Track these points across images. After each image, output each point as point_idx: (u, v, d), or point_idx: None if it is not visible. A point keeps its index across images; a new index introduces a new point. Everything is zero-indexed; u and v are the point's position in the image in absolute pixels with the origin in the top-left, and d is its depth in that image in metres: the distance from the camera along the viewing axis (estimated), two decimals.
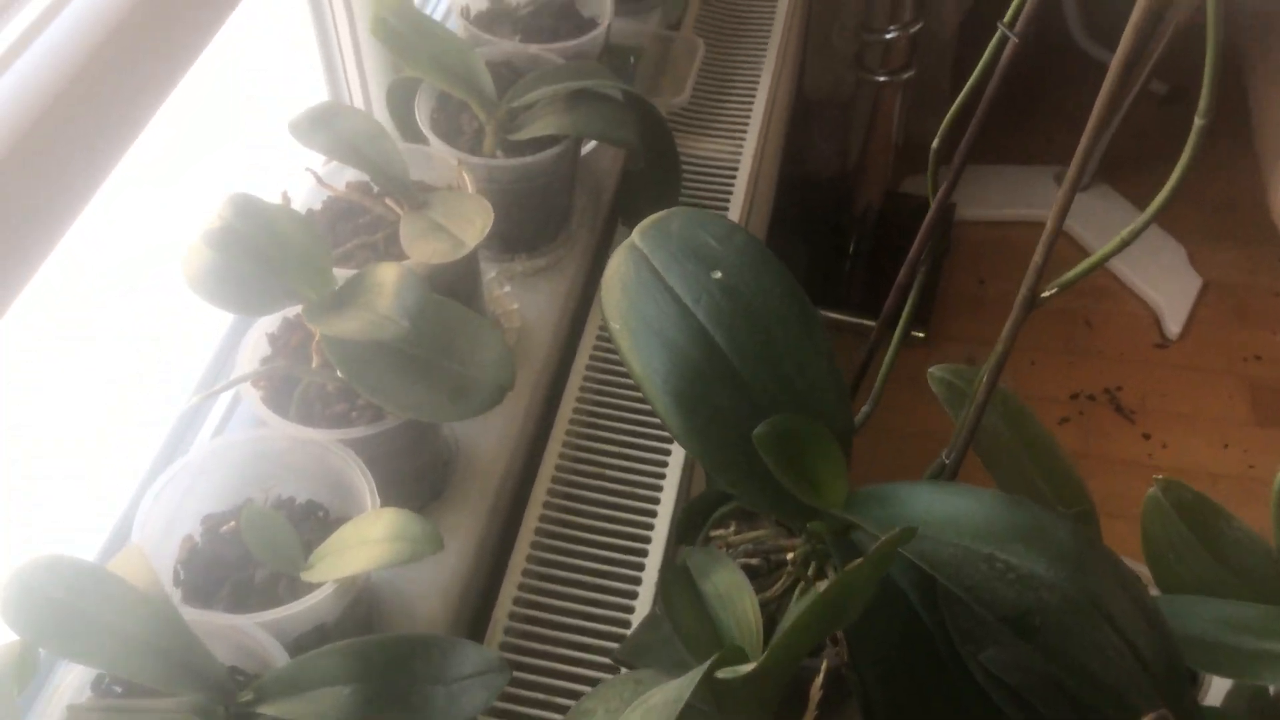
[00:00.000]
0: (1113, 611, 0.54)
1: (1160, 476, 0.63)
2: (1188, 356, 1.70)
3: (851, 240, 1.75)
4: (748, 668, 0.48)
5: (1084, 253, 1.82)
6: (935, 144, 0.60)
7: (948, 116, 0.59)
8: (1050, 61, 1.86)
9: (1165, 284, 1.75)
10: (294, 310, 0.70)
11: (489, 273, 0.86)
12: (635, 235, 0.67)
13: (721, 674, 0.47)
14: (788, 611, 0.61)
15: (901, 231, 1.81)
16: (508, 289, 0.85)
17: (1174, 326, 1.70)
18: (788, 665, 0.52)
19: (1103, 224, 1.81)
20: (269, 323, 0.70)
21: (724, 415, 0.61)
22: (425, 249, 0.69)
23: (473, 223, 0.70)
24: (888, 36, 1.44)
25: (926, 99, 1.87)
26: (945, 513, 0.58)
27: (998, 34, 0.56)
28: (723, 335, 0.62)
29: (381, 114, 0.88)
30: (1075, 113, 1.94)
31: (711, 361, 0.61)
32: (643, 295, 0.65)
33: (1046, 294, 0.56)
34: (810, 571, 0.66)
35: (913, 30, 1.44)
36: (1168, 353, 1.70)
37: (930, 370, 0.70)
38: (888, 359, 0.68)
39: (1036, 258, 0.55)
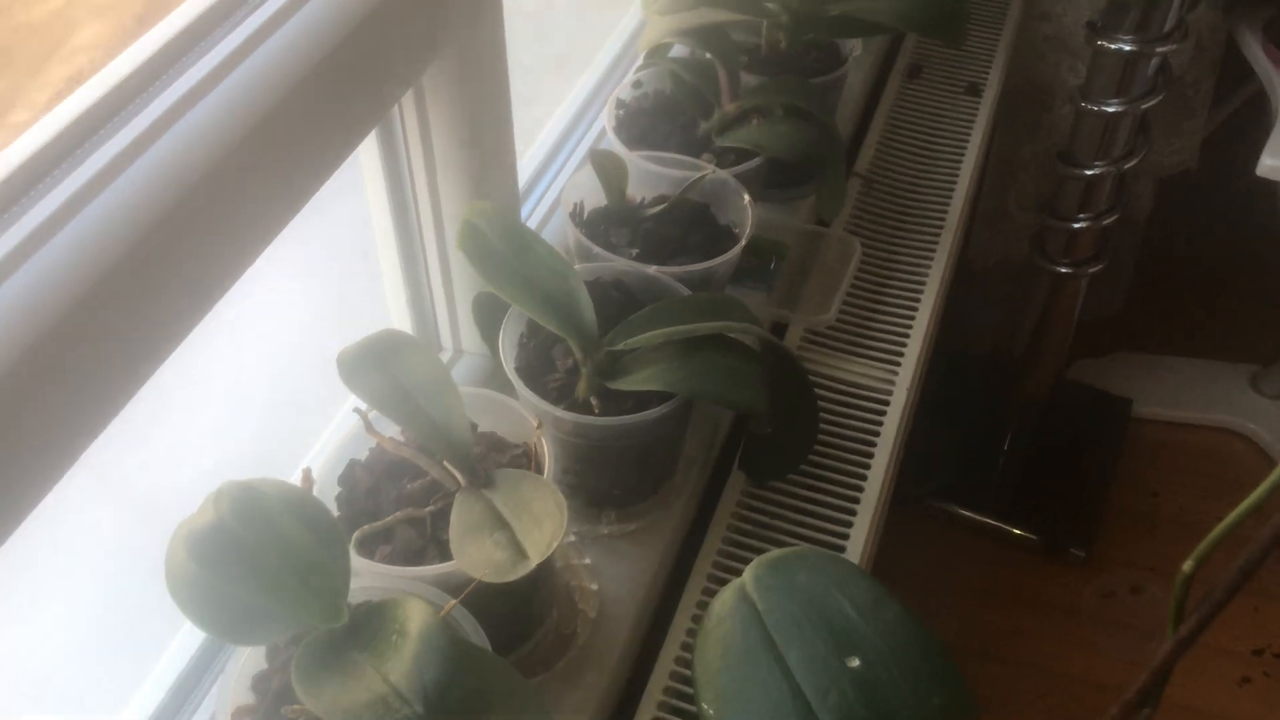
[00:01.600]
0: None
1: None
2: None
3: (1010, 432, 1.54)
4: None
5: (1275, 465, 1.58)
6: (1187, 568, 0.42)
7: (1208, 540, 0.41)
8: (1254, 245, 1.64)
9: None
10: (291, 636, 0.55)
11: (567, 536, 0.71)
12: (748, 577, 0.51)
13: None
14: None
15: (1069, 425, 1.59)
16: (588, 561, 0.69)
17: None
18: None
19: None
20: (260, 655, 0.55)
21: None
22: (478, 556, 0.54)
23: (541, 526, 0.55)
24: (1075, 226, 1.25)
25: (1107, 275, 1.66)
26: None
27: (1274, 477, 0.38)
28: None
29: (467, 324, 0.74)
30: (1278, 306, 1.71)
31: None
32: (749, 671, 0.49)
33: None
34: None
35: (1106, 222, 1.24)
36: None
37: None
38: None
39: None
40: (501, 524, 0.56)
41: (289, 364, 0.76)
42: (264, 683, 0.54)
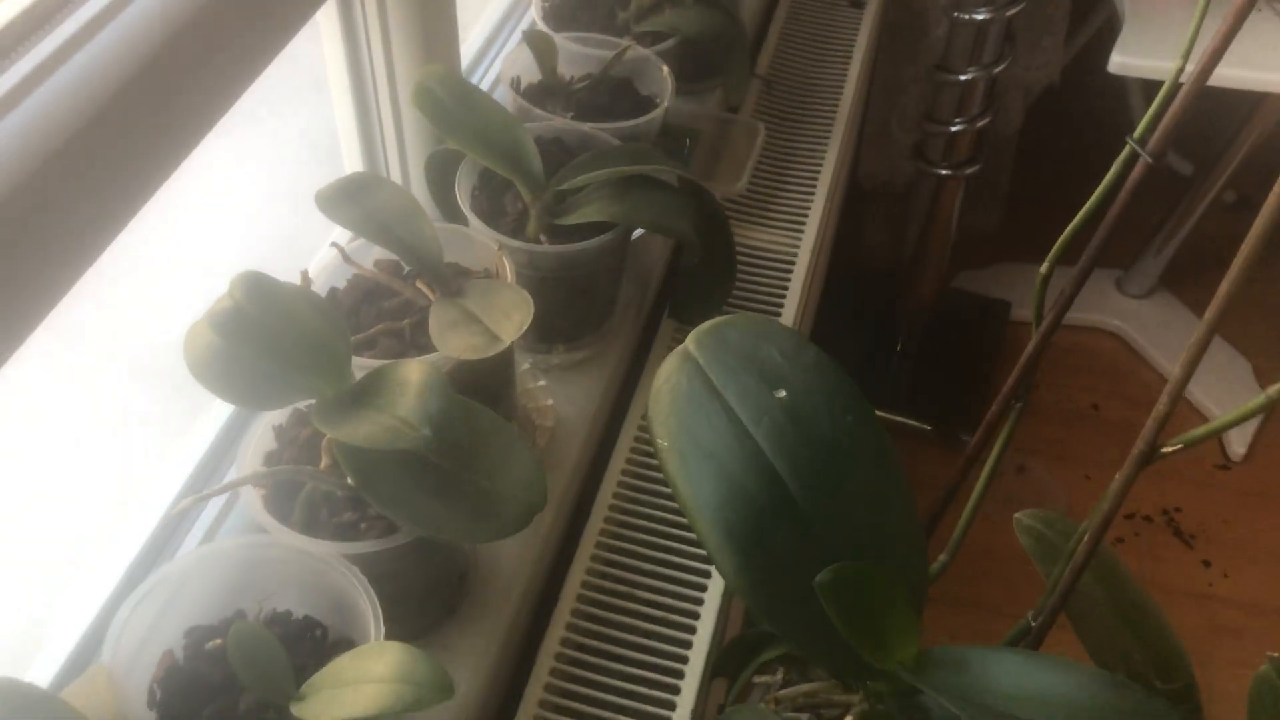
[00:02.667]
0: None
1: (1274, 654, 0.55)
2: (1253, 480, 1.60)
3: (901, 336, 1.68)
4: None
5: (1141, 360, 1.74)
6: (1044, 269, 0.52)
7: (1064, 235, 0.52)
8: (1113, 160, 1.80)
9: (1230, 401, 1.66)
10: (306, 401, 0.64)
11: (523, 364, 0.79)
12: (690, 342, 0.60)
13: None
14: None
15: (954, 328, 1.73)
16: (542, 383, 0.78)
17: (1239, 448, 1.61)
18: None
19: (1162, 332, 1.73)
20: (277, 415, 0.63)
21: (781, 556, 0.53)
22: (456, 343, 0.62)
23: (510, 317, 0.64)
24: (953, 129, 1.38)
25: (982, 195, 1.80)
26: (1035, 688, 0.51)
27: (1126, 149, 0.49)
28: (785, 464, 0.55)
29: (419, 187, 0.82)
30: (1137, 217, 1.87)
31: (770, 493, 0.54)
32: (695, 412, 0.57)
33: (1168, 449, 0.48)
34: None
35: (980, 124, 1.37)
36: (1231, 475, 1.61)
37: (1017, 517, 0.63)
38: (972, 500, 0.60)
39: (1160, 408, 0.48)
40: (475, 320, 0.65)
41: (251, 237, 0.83)
42: (273, 460, 0.62)
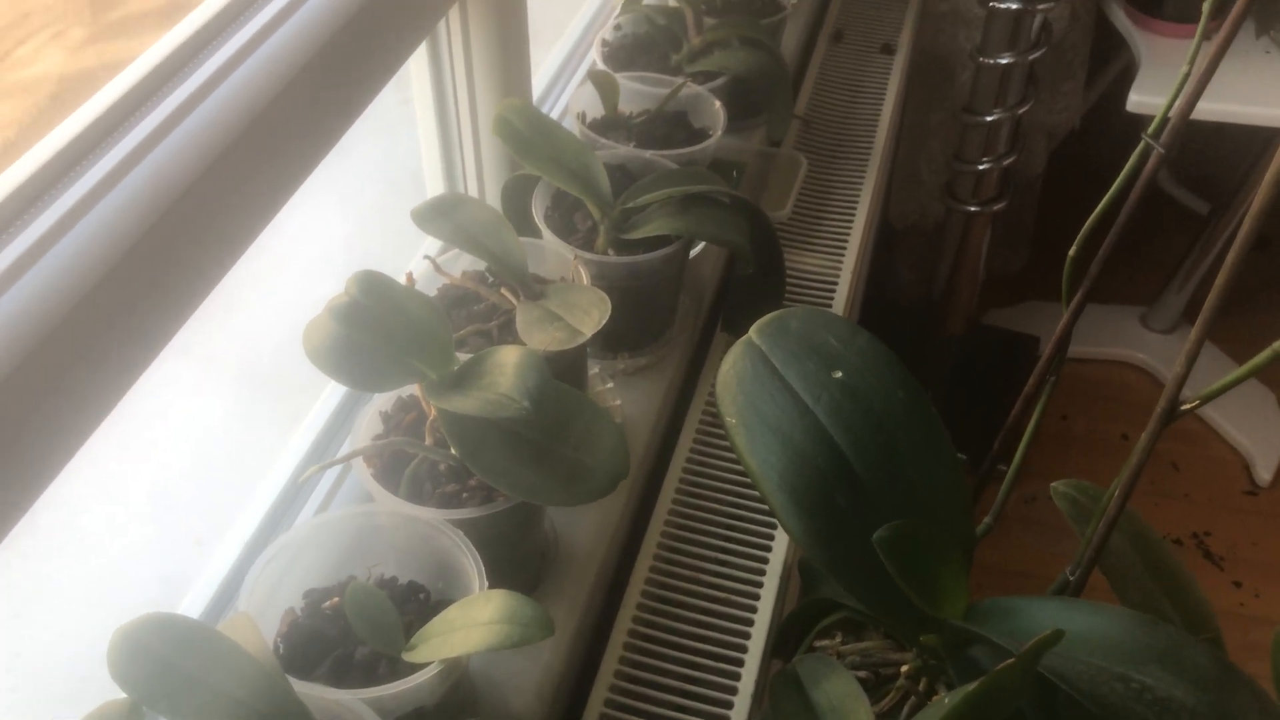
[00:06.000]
0: None
1: None
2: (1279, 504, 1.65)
3: (932, 370, 1.74)
4: None
5: None
6: (1073, 252, 0.59)
7: (1088, 223, 0.59)
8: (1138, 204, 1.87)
9: (1255, 430, 1.71)
10: (409, 390, 0.71)
11: (590, 369, 0.86)
12: (753, 332, 0.66)
13: None
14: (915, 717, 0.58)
15: (983, 363, 1.79)
16: (610, 385, 0.85)
17: (1265, 474, 1.66)
18: None
19: None
20: (383, 401, 0.70)
21: (842, 516, 0.59)
22: (541, 337, 0.69)
23: (589, 314, 0.71)
24: (980, 168, 1.45)
25: (1010, 235, 1.87)
26: (1075, 629, 0.56)
27: (1141, 145, 0.56)
28: (843, 435, 0.61)
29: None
30: (1159, 255, 1.94)
31: (830, 461, 0.60)
32: (760, 391, 0.64)
33: (1187, 407, 0.54)
34: (921, 687, 0.63)
35: (1005, 163, 1.45)
36: (1258, 500, 1.65)
37: (1054, 485, 0.69)
38: (1012, 469, 0.66)
39: (1177, 368, 0.54)
40: (557, 317, 0.72)
41: (340, 265, 0.91)
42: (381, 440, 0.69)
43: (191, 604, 0.66)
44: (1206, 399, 0.53)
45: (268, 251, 0.82)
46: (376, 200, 0.97)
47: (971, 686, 0.42)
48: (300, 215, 0.84)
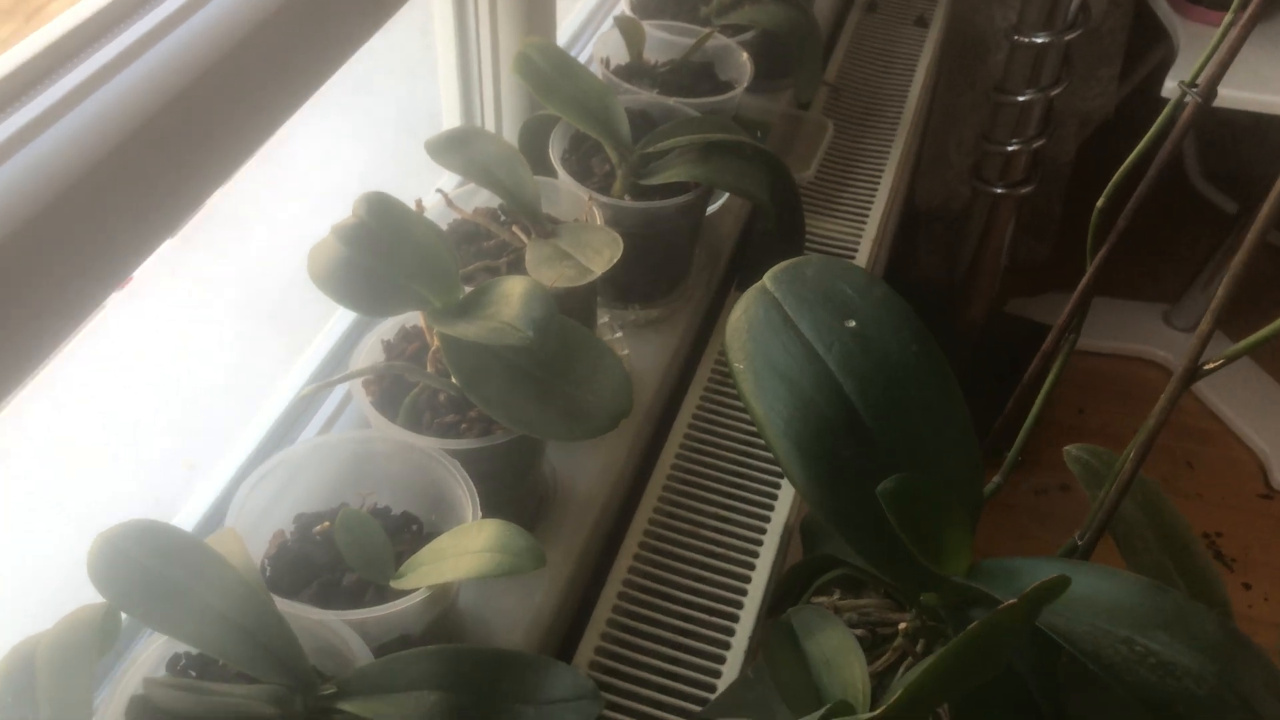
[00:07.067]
0: (1265, 717, 0.49)
1: None
2: None
3: (950, 356, 1.71)
4: (867, 716, 0.44)
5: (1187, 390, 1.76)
6: (1101, 203, 0.57)
7: (1118, 173, 0.57)
8: (1163, 200, 1.84)
9: (1273, 432, 1.68)
10: (412, 320, 0.69)
11: (601, 318, 0.85)
12: (767, 279, 0.64)
13: None
14: (909, 672, 0.57)
15: (1003, 352, 1.77)
16: (619, 335, 0.84)
17: None
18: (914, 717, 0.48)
19: None
20: (386, 330, 0.69)
21: (847, 466, 0.58)
22: (550, 274, 0.68)
23: (600, 253, 0.69)
24: (1009, 149, 1.43)
25: (1036, 222, 1.85)
26: (1080, 590, 0.55)
27: (1178, 94, 0.54)
28: (852, 385, 0.59)
29: None
30: (1185, 253, 1.91)
31: (838, 410, 0.58)
32: (770, 338, 0.62)
33: (1211, 366, 0.53)
34: (919, 648, 0.62)
35: (1035, 145, 1.42)
36: (1272, 503, 1.63)
37: (1067, 449, 0.67)
38: (1027, 424, 0.64)
39: (1203, 327, 0.52)
40: (568, 255, 0.70)
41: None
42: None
43: (180, 523, 0.65)
44: (1231, 358, 0.52)
45: (282, 185, 0.81)
46: (393, 141, 0.95)
47: (972, 626, 0.40)
48: (316, 148, 0.83)
